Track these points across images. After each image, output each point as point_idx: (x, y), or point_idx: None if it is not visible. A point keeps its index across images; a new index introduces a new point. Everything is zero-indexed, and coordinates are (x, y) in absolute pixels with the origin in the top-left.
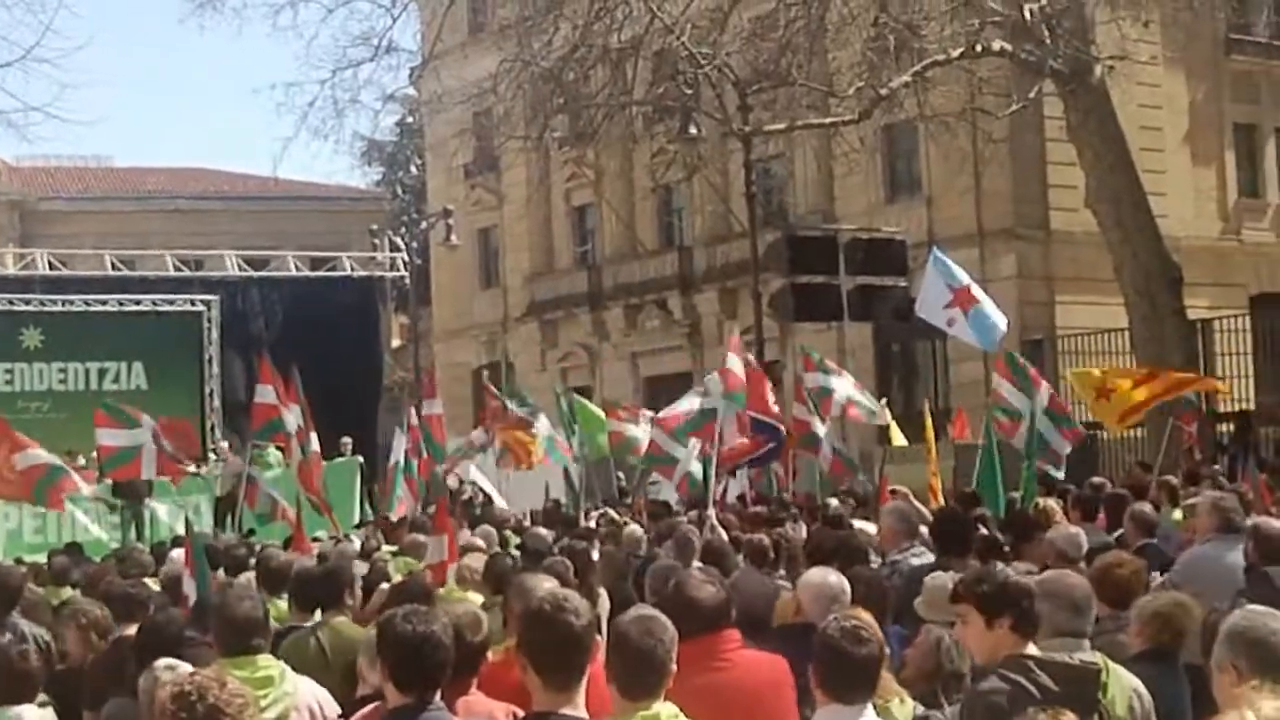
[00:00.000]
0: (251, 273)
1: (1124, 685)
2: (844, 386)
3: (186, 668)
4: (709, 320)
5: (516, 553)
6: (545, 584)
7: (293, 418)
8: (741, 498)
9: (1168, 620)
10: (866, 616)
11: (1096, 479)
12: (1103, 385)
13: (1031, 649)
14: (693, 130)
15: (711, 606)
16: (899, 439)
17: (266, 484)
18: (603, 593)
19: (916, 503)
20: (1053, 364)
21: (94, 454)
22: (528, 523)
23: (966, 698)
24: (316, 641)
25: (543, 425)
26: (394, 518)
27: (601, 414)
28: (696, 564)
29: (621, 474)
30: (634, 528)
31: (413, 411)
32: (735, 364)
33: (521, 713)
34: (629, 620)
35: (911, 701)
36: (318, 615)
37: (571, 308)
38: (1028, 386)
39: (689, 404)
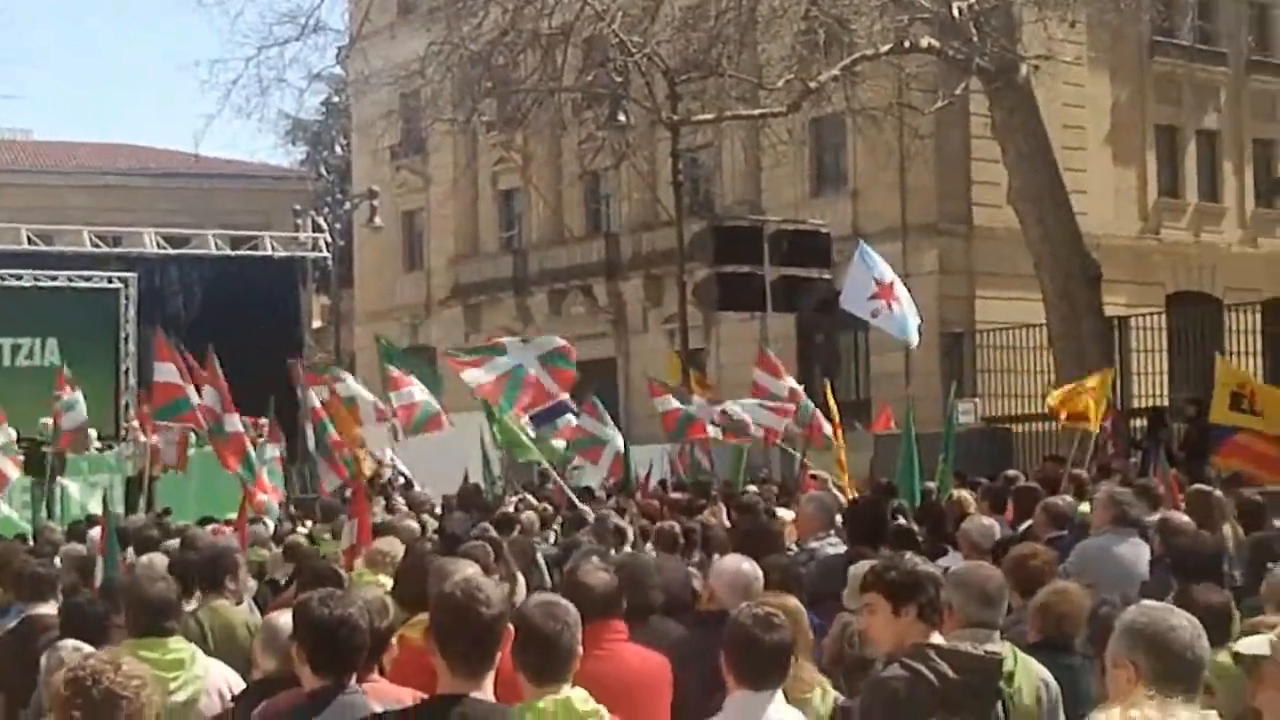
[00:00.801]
0: (170, 250)
1: (1031, 675)
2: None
3: (90, 649)
4: (634, 307)
5: (435, 537)
6: (466, 569)
7: (203, 395)
8: (663, 483)
9: (1049, 610)
10: (793, 602)
11: (1010, 472)
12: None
13: (937, 638)
14: (621, 118)
15: (600, 594)
16: None
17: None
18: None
19: (836, 490)
20: (971, 357)
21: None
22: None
23: (866, 684)
24: (197, 623)
25: (419, 390)
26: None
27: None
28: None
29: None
30: (530, 514)
31: (312, 394)
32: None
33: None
34: (532, 606)
35: (834, 692)
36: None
37: (496, 292)
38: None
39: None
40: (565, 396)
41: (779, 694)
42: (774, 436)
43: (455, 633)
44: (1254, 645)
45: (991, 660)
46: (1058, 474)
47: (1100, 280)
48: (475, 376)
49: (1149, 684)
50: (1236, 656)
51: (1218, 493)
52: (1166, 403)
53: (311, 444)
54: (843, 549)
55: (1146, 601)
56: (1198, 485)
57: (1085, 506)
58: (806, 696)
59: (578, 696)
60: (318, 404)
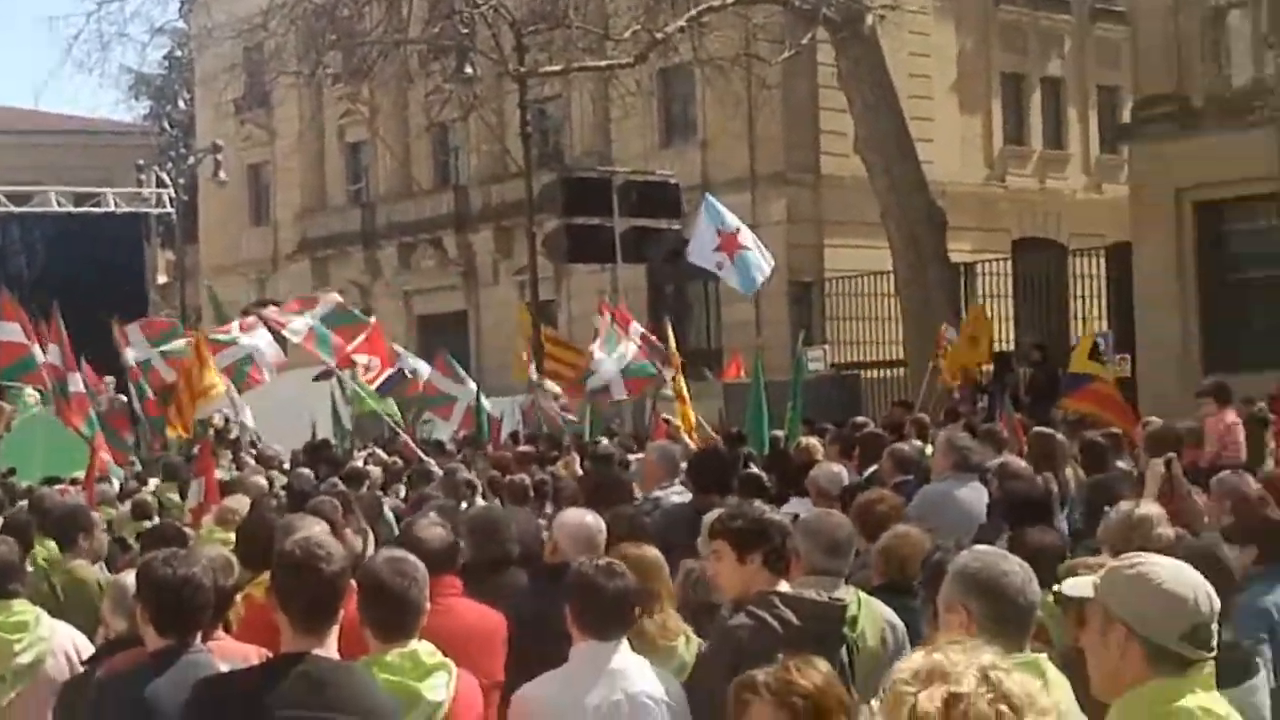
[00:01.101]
0: (12, 208)
1: (876, 618)
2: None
3: None
4: (484, 259)
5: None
6: (313, 527)
7: (48, 354)
8: (514, 436)
9: (891, 554)
10: (653, 552)
11: (859, 418)
12: (978, 333)
13: (784, 586)
14: (468, 70)
15: (435, 549)
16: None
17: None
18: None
19: (686, 438)
20: (820, 305)
21: None
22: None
23: (712, 632)
24: (50, 584)
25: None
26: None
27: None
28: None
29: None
30: (377, 469)
31: (128, 354)
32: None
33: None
34: (380, 562)
35: (697, 639)
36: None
37: (344, 246)
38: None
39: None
40: (391, 363)
41: (624, 642)
42: (638, 389)
43: (296, 590)
44: (1077, 587)
45: (835, 607)
46: (905, 419)
47: (946, 228)
48: (293, 331)
49: (981, 628)
50: (1058, 597)
51: (1059, 435)
52: (1013, 348)
53: (136, 405)
54: (688, 497)
55: (979, 546)
56: (1039, 428)
57: (930, 449)
58: (672, 645)
59: (424, 650)
60: (133, 364)
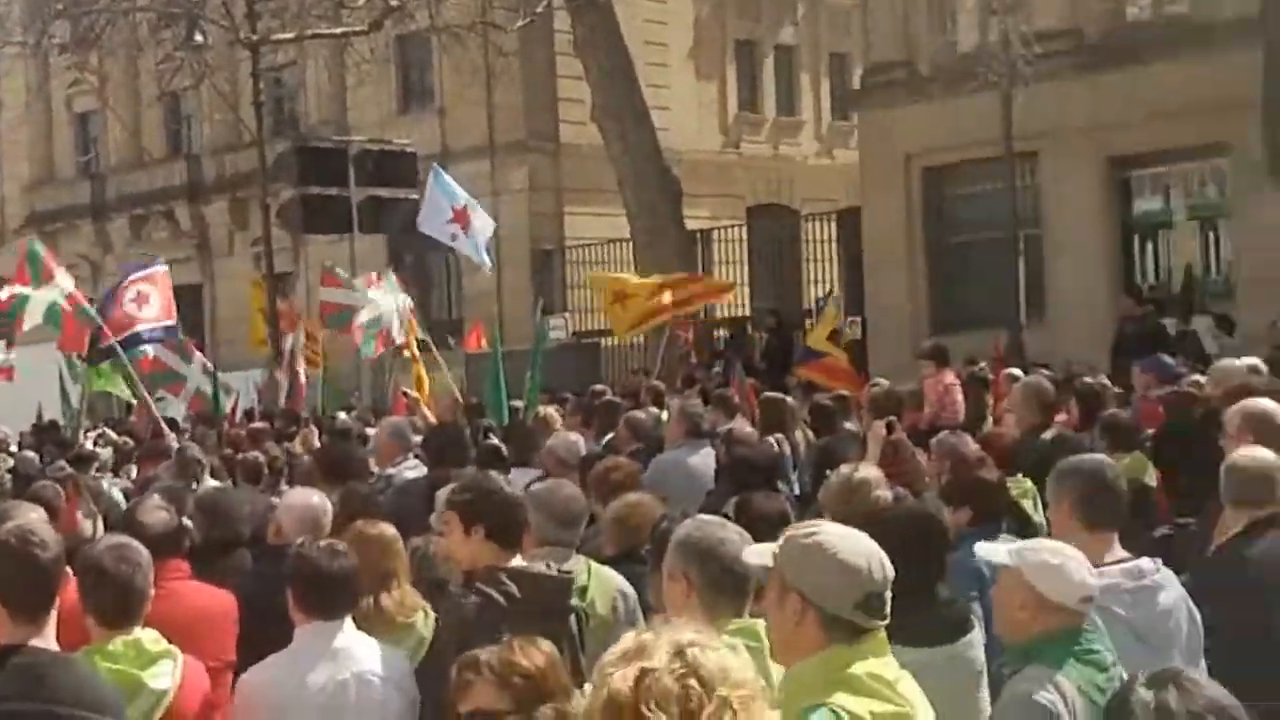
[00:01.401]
0: None
1: (607, 587)
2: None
3: None
4: (218, 231)
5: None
6: (29, 514)
7: None
8: (249, 412)
9: (623, 523)
10: (390, 530)
11: (597, 386)
12: (620, 291)
13: (517, 559)
14: (199, 38)
15: (158, 533)
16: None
17: None
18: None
19: (425, 409)
20: (561, 273)
21: None
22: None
23: (442, 608)
24: None
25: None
26: None
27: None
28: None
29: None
30: (108, 449)
31: None
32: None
33: None
34: (102, 549)
35: (434, 614)
36: None
37: (73, 219)
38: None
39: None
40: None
41: (349, 621)
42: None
43: (10, 580)
44: (757, 555)
45: (562, 580)
46: (640, 387)
47: (681, 195)
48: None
49: (700, 595)
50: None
51: (790, 400)
52: (748, 314)
53: None
54: (422, 471)
55: (703, 515)
56: (769, 393)
57: (665, 415)
58: (410, 621)
59: (148, 637)
60: None
